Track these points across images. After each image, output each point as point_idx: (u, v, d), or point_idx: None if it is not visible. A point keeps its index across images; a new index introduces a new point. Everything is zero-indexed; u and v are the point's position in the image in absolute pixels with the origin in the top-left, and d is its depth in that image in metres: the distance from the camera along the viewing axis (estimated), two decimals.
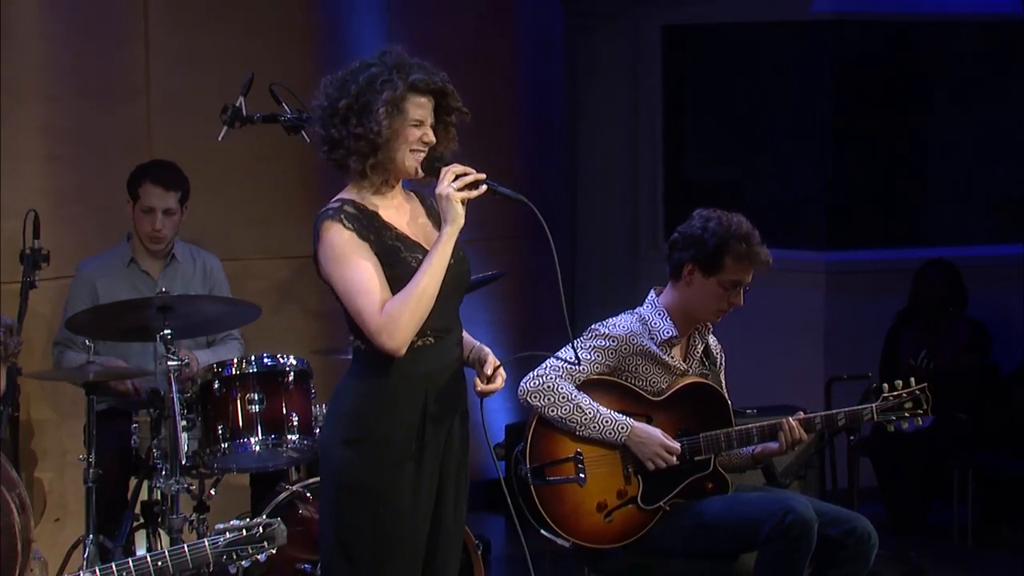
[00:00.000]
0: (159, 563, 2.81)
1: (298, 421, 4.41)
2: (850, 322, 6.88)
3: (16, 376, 4.48)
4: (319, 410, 4.59)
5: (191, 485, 4.48)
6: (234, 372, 4.40)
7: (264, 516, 2.99)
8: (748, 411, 4.39)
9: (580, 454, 3.92)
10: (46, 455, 5.21)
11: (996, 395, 6.44)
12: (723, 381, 4.20)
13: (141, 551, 4.55)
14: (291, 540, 4.09)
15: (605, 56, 7.60)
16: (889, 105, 7.18)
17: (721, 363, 4.23)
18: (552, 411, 3.91)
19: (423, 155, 3.29)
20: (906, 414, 4.08)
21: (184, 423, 4.30)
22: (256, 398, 4.38)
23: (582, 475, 3.90)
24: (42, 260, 4.59)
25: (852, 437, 5.40)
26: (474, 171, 3.26)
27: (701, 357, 4.15)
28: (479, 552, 4.47)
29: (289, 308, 5.77)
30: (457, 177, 3.23)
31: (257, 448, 4.39)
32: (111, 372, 4.61)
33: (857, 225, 7.18)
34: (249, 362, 4.43)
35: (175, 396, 4.20)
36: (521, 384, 3.93)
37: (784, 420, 3.99)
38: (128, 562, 2.79)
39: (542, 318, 6.49)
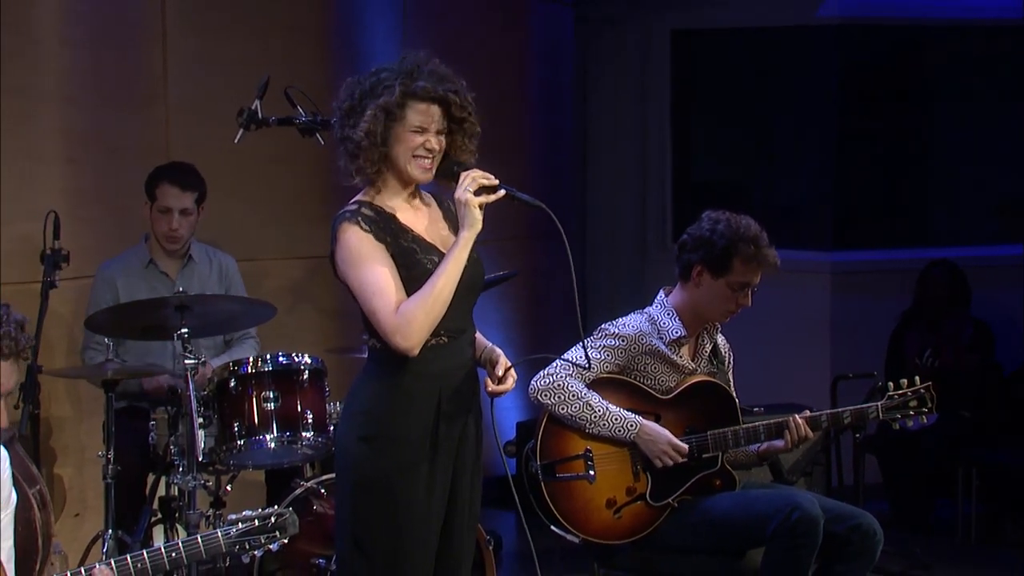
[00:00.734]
0: (173, 554, 2.81)
1: (312, 419, 4.41)
2: (855, 322, 6.88)
3: (36, 374, 4.49)
4: (333, 408, 4.59)
5: (208, 481, 4.48)
6: (250, 370, 4.40)
7: (276, 507, 2.98)
8: (755, 409, 4.38)
9: (590, 451, 3.91)
10: (66, 452, 5.22)
11: (999, 393, 6.43)
12: (731, 380, 4.19)
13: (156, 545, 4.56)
14: (305, 535, 4.11)
15: (615, 59, 7.60)
16: (894, 108, 7.17)
17: (729, 362, 4.22)
18: (562, 409, 3.90)
19: (428, 161, 3.28)
20: (911, 412, 4.08)
21: (201, 420, 4.30)
22: (271, 396, 4.38)
23: (592, 472, 3.89)
24: (62, 260, 4.60)
25: (858, 435, 5.38)
26: (492, 176, 3.26)
27: (709, 356, 4.14)
28: (491, 548, 4.46)
29: (304, 307, 5.78)
30: (475, 182, 3.23)
31: (272, 445, 4.39)
32: (128, 370, 4.61)
33: (862, 226, 7.17)
34: (264, 360, 4.44)
35: (192, 394, 4.20)
36: (532, 382, 3.93)
37: (790, 418, 3.98)
38: (143, 554, 2.79)
39: (553, 318, 6.49)
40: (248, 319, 4.82)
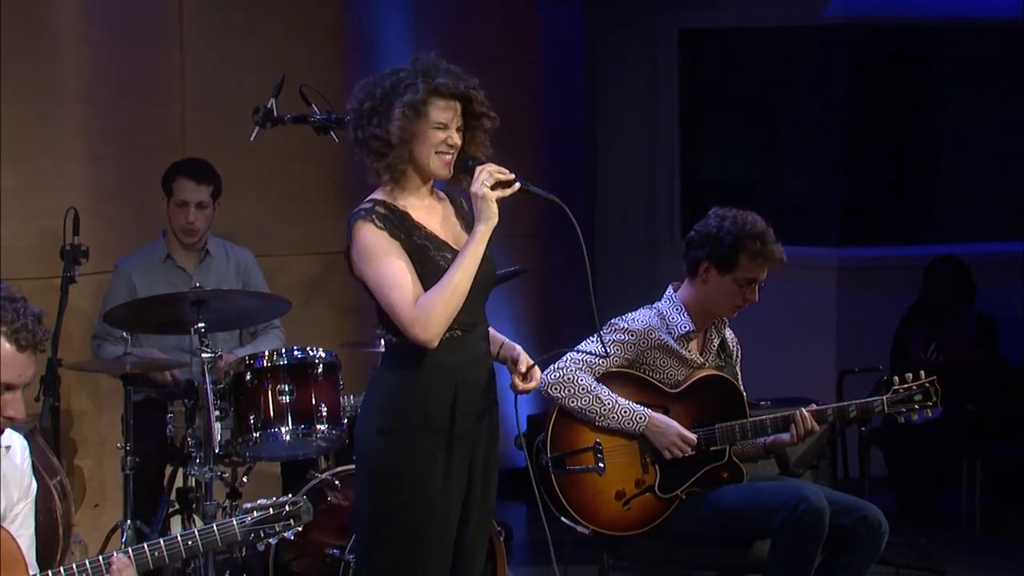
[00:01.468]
0: (190, 542, 2.81)
1: (327, 411, 4.41)
2: (861, 317, 6.86)
3: (56, 367, 4.50)
4: (347, 401, 4.59)
5: (224, 473, 4.49)
6: (265, 364, 4.40)
7: (290, 495, 2.98)
8: (762, 403, 4.38)
9: (599, 444, 3.91)
10: (86, 444, 5.23)
11: (1004, 387, 6.41)
12: (738, 374, 4.18)
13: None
14: (319, 526, 4.12)
15: (624, 59, 7.59)
16: (900, 107, 7.15)
17: (737, 356, 4.21)
18: (572, 402, 3.90)
19: (449, 157, 3.29)
20: (916, 406, 4.06)
21: (217, 413, 4.30)
22: (286, 389, 4.38)
23: (601, 464, 3.89)
24: (81, 256, 4.61)
25: (863, 428, 5.38)
26: (507, 171, 3.26)
27: (717, 350, 4.13)
28: (502, 539, 4.46)
29: (318, 302, 5.78)
30: (491, 176, 3.23)
31: (287, 437, 4.39)
32: (147, 363, 4.62)
33: (868, 223, 7.15)
34: (280, 354, 4.44)
35: (208, 387, 4.21)
36: (542, 376, 3.91)
37: (797, 411, 3.97)
38: (160, 542, 2.80)
39: (564, 313, 6.49)
40: (264, 314, 4.83)
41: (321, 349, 4.50)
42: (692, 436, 3.92)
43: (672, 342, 4.02)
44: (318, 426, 4.40)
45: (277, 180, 5.61)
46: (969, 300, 6.46)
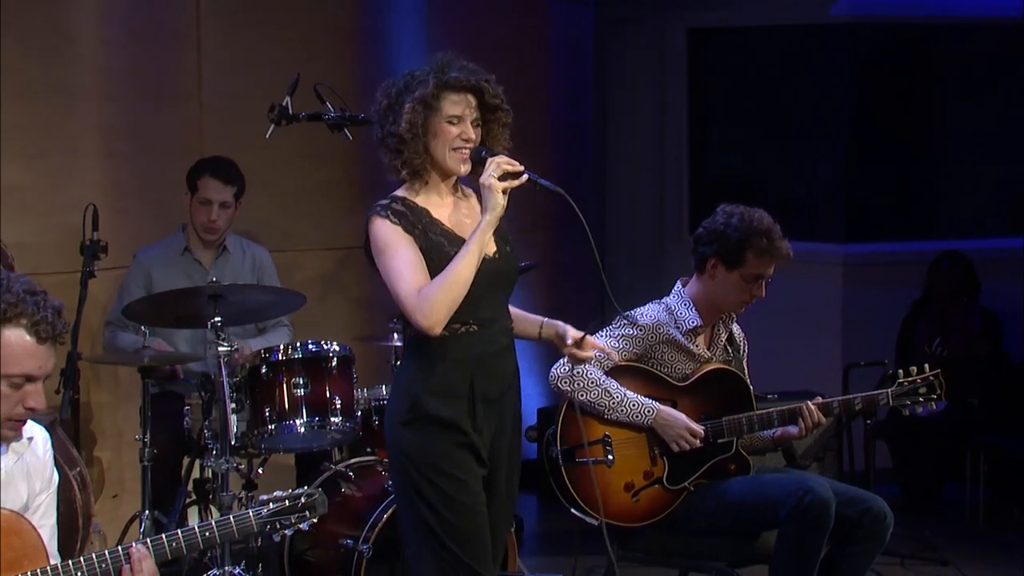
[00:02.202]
0: (207, 533, 2.82)
1: (341, 404, 4.41)
2: (867, 311, 6.85)
3: (76, 360, 4.51)
4: (361, 394, 4.60)
5: (240, 464, 4.49)
6: (280, 358, 4.41)
7: (305, 488, 2.98)
8: (769, 396, 4.37)
9: (608, 437, 3.91)
10: (105, 435, 5.24)
11: (1007, 381, 6.40)
12: (745, 368, 4.17)
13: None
14: (334, 517, 4.13)
15: (633, 58, 7.59)
16: (905, 104, 7.14)
17: (744, 350, 4.20)
18: (582, 395, 3.89)
19: (466, 152, 3.29)
20: (920, 399, 4.06)
21: (233, 406, 4.31)
22: (301, 382, 4.38)
23: (610, 457, 3.89)
24: (100, 251, 4.62)
25: (869, 421, 5.37)
26: (517, 163, 3.25)
27: (725, 345, 4.12)
28: (512, 529, 4.46)
29: (333, 297, 5.78)
30: (499, 167, 3.23)
31: (302, 429, 4.39)
32: (165, 357, 4.63)
33: (874, 219, 7.14)
34: (295, 348, 4.44)
35: (225, 380, 4.22)
36: (552, 370, 3.92)
37: (803, 404, 3.96)
38: (178, 533, 2.80)
39: (573, 309, 6.48)
40: (279, 308, 4.83)
41: (335, 343, 4.51)
42: (699, 429, 3.92)
43: (680, 336, 4.01)
44: (332, 418, 4.40)
45: (292, 177, 5.61)
46: (973, 295, 6.44)
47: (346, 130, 3.89)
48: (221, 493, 4.29)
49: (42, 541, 2.78)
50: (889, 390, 4.05)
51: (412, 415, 3.27)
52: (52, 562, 2.76)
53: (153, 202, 5.25)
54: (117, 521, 4.89)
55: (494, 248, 3.34)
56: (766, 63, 7.31)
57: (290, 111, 3.95)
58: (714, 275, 4.01)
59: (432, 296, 3.19)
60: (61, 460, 3.69)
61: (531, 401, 6.21)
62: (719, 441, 3.97)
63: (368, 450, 4.70)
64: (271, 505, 2.88)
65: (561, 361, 3.93)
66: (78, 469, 4.18)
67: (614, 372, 3.95)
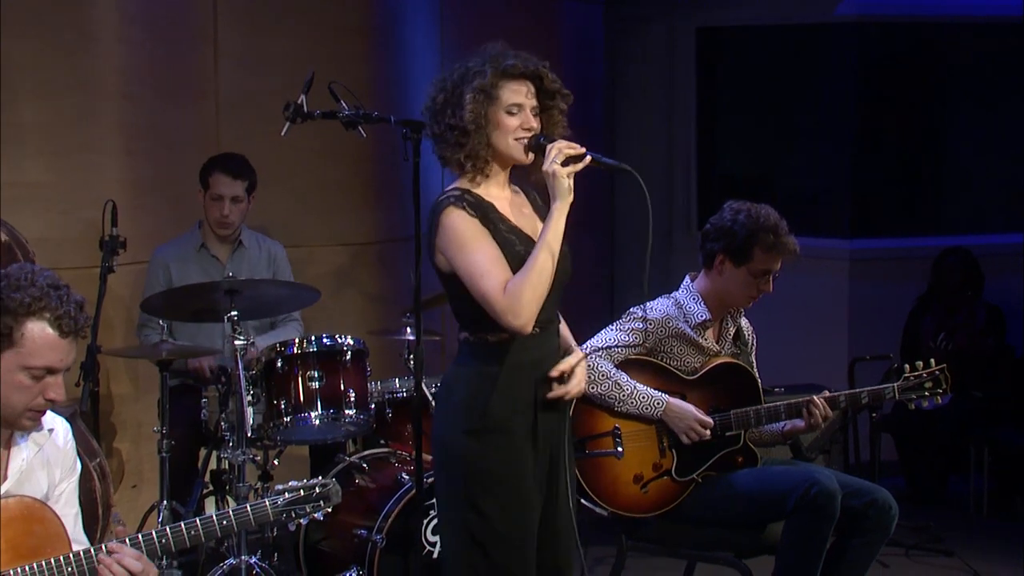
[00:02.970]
0: (224, 522, 2.82)
1: (355, 397, 4.42)
2: (873, 306, 6.84)
3: (96, 353, 4.53)
4: (375, 387, 4.60)
5: (256, 456, 4.50)
6: (295, 351, 4.41)
7: (320, 478, 2.98)
8: (776, 389, 4.36)
9: (618, 429, 3.90)
10: (124, 427, 5.25)
11: (1011, 375, 6.38)
12: (753, 361, 4.16)
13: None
14: (348, 508, 4.13)
15: (642, 56, 7.57)
16: (910, 102, 7.12)
17: (752, 344, 4.19)
18: (592, 388, 3.88)
19: (528, 140, 3.18)
20: (926, 393, 4.04)
21: (249, 398, 4.32)
22: (316, 375, 4.39)
23: (620, 448, 3.88)
24: (119, 247, 4.63)
25: (874, 414, 5.36)
26: (578, 145, 3.14)
27: (733, 339, 4.12)
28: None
29: (347, 292, 5.79)
30: (560, 152, 3.11)
31: (317, 422, 4.40)
32: (182, 351, 4.64)
33: (879, 215, 7.13)
34: (309, 342, 4.44)
35: (241, 373, 4.22)
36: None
37: (812, 399, 3.95)
38: (196, 521, 2.81)
39: (585, 302, 6.48)
40: (294, 303, 4.84)
41: (349, 337, 4.51)
42: (709, 420, 3.91)
43: (689, 330, 4.01)
44: (346, 411, 4.41)
45: (307, 174, 5.62)
46: (977, 291, 6.42)
47: (360, 128, 3.88)
48: (237, 484, 4.30)
49: (64, 529, 2.79)
50: (895, 384, 4.04)
51: (477, 424, 3.13)
52: (75, 548, 2.77)
53: (171, 198, 5.26)
54: (136, 511, 4.91)
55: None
56: (774, 61, 7.29)
57: (305, 109, 3.94)
58: (722, 271, 4.00)
59: (520, 293, 3.04)
60: (81, 451, 3.69)
61: None
62: (727, 434, 3.97)
63: (382, 442, 4.71)
64: (287, 495, 2.89)
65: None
66: (98, 460, 4.19)
67: (624, 365, 3.95)
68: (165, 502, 4.39)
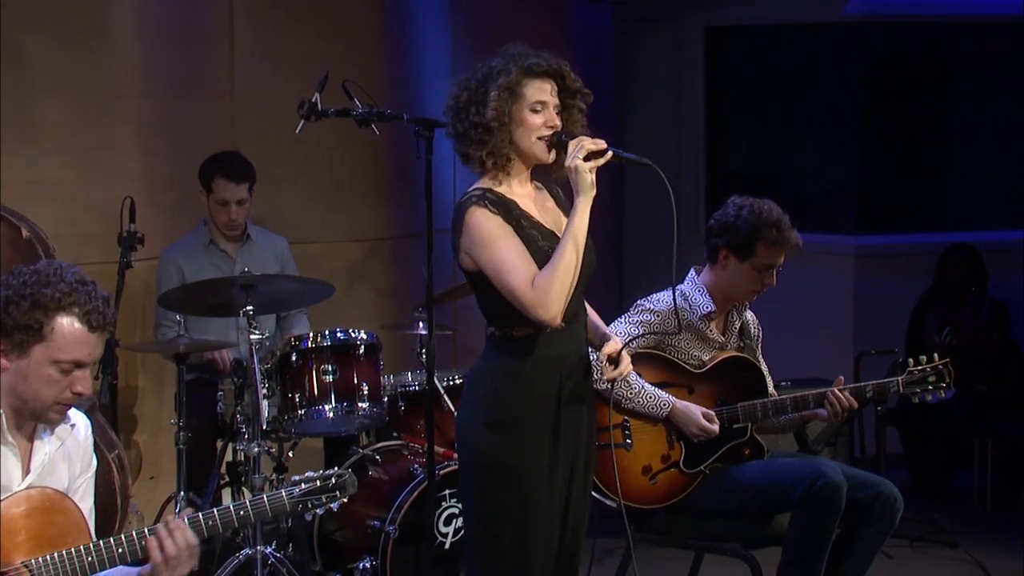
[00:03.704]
0: (241, 512, 2.82)
1: (368, 390, 4.42)
2: (878, 301, 6.82)
3: (114, 347, 4.54)
4: (387, 380, 4.61)
5: (271, 448, 4.50)
6: (310, 345, 4.42)
7: (336, 469, 2.98)
8: (783, 383, 4.36)
9: (627, 421, 3.90)
10: (142, 420, 5.27)
11: (1015, 369, 6.37)
12: (759, 355, 4.16)
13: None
14: (361, 499, 4.12)
15: (651, 55, 7.56)
16: (915, 100, 7.11)
17: (758, 338, 4.19)
18: (602, 384, 3.88)
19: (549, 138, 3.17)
20: (930, 387, 4.02)
21: (264, 391, 4.32)
22: (330, 369, 4.39)
23: (629, 441, 3.89)
24: (137, 242, 4.64)
25: (879, 407, 5.35)
26: (601, 141, 3.14)
27: (738, 332, 4.11)
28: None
29: (360, 287, 5.79)
30: (583, 148, 3.11)
31: (331, 415, 4.40)
32: (199, 345, 4.65)
33: (885, 211, 7.11)
34: (323, 336, 4.45)
35: (256, 367, 4.23)
36: None
37: (830, 391, 3.94)
38: (214, 512, 2.81)
39: (591, 299, 6.48)
40: (308, 297, 4.84)
41: (362, 331, 4.51)
42: (712, 427, 3.89)
43: (695, 321, 4.00)
44: (360, 404, 4.41)
45: (321, 171, 5.62)
46: (982, 286, 6.41)
47: (373, 125, 3.89)
48: (253, 475, 4.30)
49: (84, 520, 2.80)
50: (900, 378, 4.03)
51: (497, 417, 3.13)
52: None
53: (188, 195, 5.26)
54: (153, 502, 4.92)
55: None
56: (781, 60, 7.28)
57: (319, 107, 3.95)
58: (726, 265, 3.99)
59: (548, 287, 3.03)
60: (100, 443, 3.71)
61: None
62: (735, 426, 3.97)
63: (394, 434, 4.72)
64: (303, 485, 2.89)
65: None
66: (117, 452, 4.20)
67: (634, 359, 3.93)
68: (182, 493, 4.39)
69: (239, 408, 4.44)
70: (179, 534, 2.72)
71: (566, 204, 3.22)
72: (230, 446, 4.65)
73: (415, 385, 4.72)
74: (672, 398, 3.90)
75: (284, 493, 2.87)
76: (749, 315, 4.16)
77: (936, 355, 4.07)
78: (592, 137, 3.17)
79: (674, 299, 3.42)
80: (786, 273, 4.03)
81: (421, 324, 4.74)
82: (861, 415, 5.86)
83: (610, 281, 7.33)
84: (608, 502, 3.90)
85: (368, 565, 4.25)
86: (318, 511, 2.90)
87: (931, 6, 7.02)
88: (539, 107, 3.16)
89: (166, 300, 4.52)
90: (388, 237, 5.90)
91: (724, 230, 3.98)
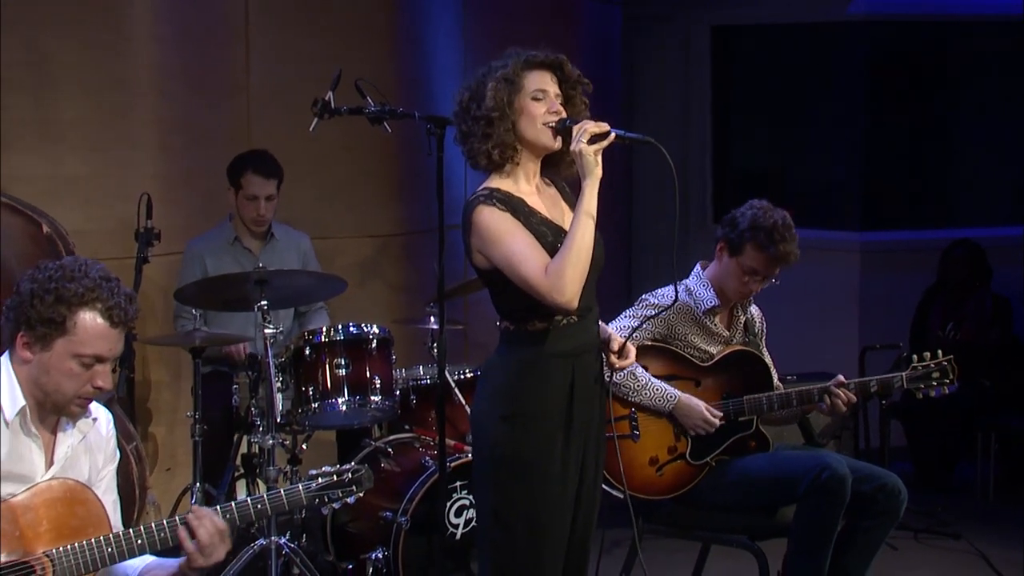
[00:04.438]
0: (259, 506, 2.82)
1: (380, 384, 4.43)
2: (883, 297, 6.82)
3: (132, 341, 4.55)
4: (399, 374, 4.61)
5: (285, 440, 4.51)
6: (323, 339, 4.42)
7: (352, 463, 2.98)
8: (788, 377, 4.36)
9: (634, 413, 3.91)
10: (159, 412, 5.28)
11: (1017, 364, 6.36)
12: (764, 349, 4.16)
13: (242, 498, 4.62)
14: (373, 490, 4.12)
15: (659, 54, 7.56)
16: (919, 98, 7.09)
17: (763, 332, 4.19)
18: (605, 374, 3.88)
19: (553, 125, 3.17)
20: (934, 383, 4.02)
21: (279, 385, 4.33)
22: (343, 363, 4.39)
23: (636, 432, 3.89)
24: (154, 238, 4.65)
25: (884, 401, 5.35)
26: (604, 124, 3.14)
27: (743, 327, 4.12)
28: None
29: (373, 282, 5.80)
30: (586, 132, 3.10)
31: (344, 408, 4.41)
32: (215, 338, 4.66)
33: (889, 208, 7.10)
34: (336, 330, 4.45)
35: (270, 360, 4.24)
36: None
37: (831, 386, 3.94)
38: (231, 505, 2.81)
39: (599, 292, 6.48)
40: (321, 292, 4.85)
41: (375, 325, 4.52)
42: (715, 420, 3.90)
43: (700, 315, 4.01)
44: (372, 397, 4.42)
45: (335, 168, 5.63)
46: (985, 281, 6.40)
47: (385, 123, 3.90)
48: (267, 468, 4.32)
49: (105, 511, 2.81)
50: (904, 373, 4.02)
51: (510, 410, 3.12)
52: (115, 531, 2.80)
53: (204, 192, 5.28)
54: (170, 493, 4.94)
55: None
56: (787, 59, 7.28)
57: (333, 105, 3.95)
58: (720, 258, 4.01)
59: (562, 271, 3.02)
60: (119, 435, 3.72)
61: None
62: (740, 419, 3.97)
63: (406, 427, 4.72)
64: (320, 479, 2.89)
65: None
66: (135, 444, 4.21)
67: (640, 352, 3.94)
68: (198, 485, 4.41)
69: (254, 401, 4.45)
70: (208, 521, 2.73)
71: (574, 200, 3.22)
72: (245, 439, 4.67)
73: (426, 379, 4.73)
74: (678, 392, 3.91)
75: (301, 487, 2.87)
76: (754, 309, 4.16)
77: (940, 351, 4.06)
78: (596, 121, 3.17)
79: (674, 261, 3.37)
80: (792, 269, 4.02)
81: (432, 319, 4.75)
82: (866, 409, 5.86)
83: (618, 274, 7.33)
84: (615, 493, 3.91)
85: (380, 556, 4.26)
86: (335, 505, 2.89)
87: (935, 5, 7.01)
88: (540, 95, 3.17)
89: (182, 295, 4.53)
90: (400, 233, 5.91)
91: (727, 223, 4.01)
